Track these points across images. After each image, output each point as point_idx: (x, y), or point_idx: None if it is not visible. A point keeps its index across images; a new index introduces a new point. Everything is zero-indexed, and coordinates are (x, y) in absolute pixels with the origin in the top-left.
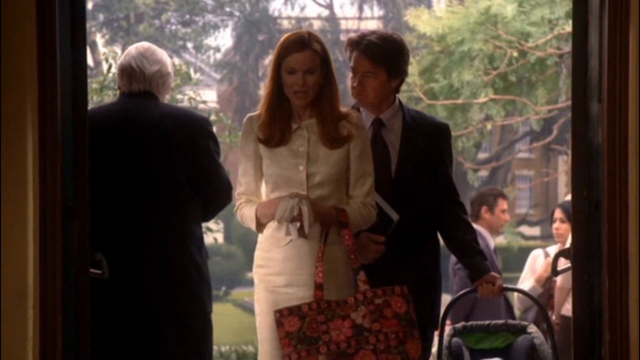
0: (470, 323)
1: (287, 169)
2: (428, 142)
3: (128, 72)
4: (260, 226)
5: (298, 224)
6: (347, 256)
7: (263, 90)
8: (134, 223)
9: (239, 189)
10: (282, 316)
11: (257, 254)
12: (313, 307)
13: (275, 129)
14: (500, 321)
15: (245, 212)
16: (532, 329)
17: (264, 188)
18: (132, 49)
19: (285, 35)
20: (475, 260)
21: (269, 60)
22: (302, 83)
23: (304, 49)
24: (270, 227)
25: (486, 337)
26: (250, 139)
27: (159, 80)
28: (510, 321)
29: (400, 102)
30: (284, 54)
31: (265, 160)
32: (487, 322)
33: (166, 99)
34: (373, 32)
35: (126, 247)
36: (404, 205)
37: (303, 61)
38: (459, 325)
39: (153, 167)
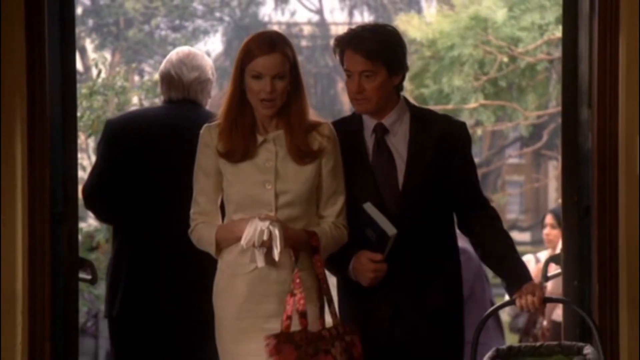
0: (517, 345)
1: (253, 187)
2: (441, 145)
3: (167, 79)
4: (220, 250)
5: (265, 250)
6: (318, 284)
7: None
8: (172, 225)
9: (194, 207)
10: (279, 342)
11: (217, 282)
12: (303, 337)
13: (237, 141)
14: (554, 342)
15: (203, 235)
16: (589, 349)
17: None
18: (173, 54)
19: (250, 36)
20: (511, 269)
21: None
22: (269, 90)
23: (272, 52)
24: (232, 252)
25: None
26: (209, 153)
27: (198, 87)
28: (565, 342)
29: (406, 101)
30: (249, 57)
31: (226, 177)
32: (538, 343)
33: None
34: (363, 26)
35: (166, 250)
36: (416, 222)
37: (271, 65)
38: (504, 347)
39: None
